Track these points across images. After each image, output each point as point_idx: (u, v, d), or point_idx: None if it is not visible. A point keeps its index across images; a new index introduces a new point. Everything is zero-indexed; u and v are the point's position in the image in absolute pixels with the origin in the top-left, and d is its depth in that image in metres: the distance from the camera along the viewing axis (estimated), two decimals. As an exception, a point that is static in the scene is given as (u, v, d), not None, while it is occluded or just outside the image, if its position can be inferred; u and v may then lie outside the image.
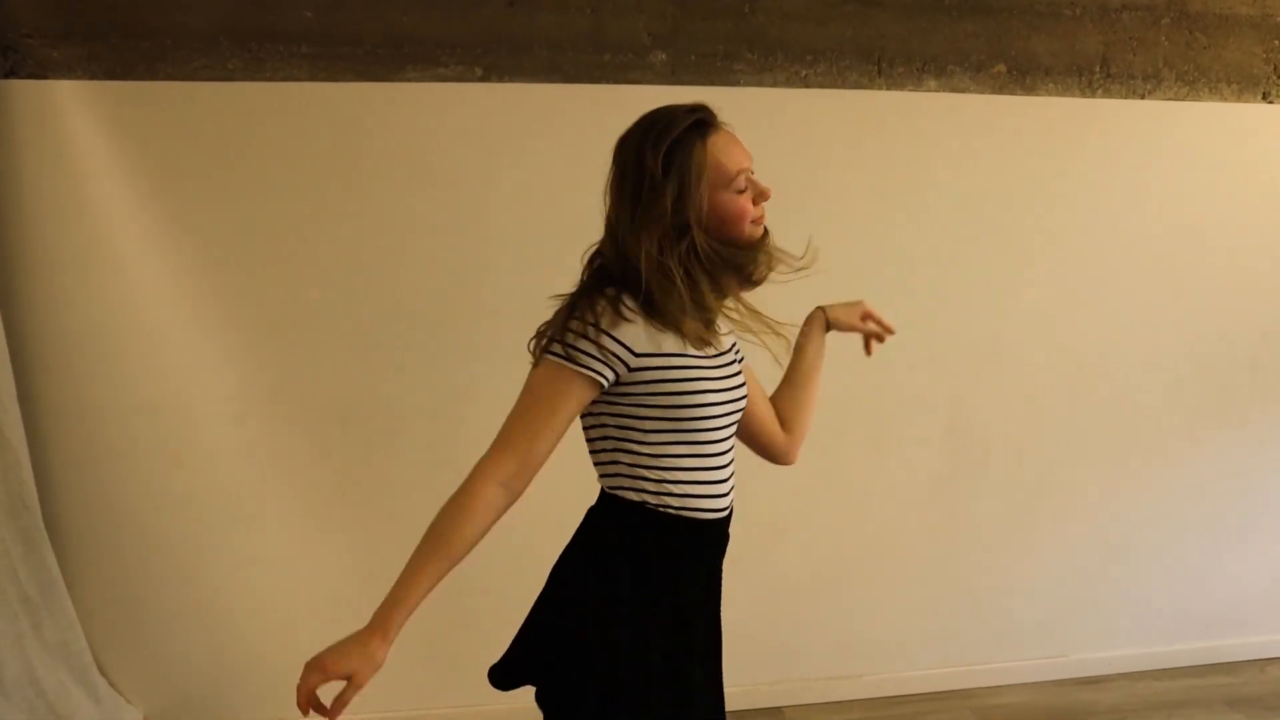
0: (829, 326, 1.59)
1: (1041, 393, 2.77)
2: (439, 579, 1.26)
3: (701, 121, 1.31)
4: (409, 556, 1.35)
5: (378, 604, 2.62)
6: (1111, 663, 2.89)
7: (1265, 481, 2.94)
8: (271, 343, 2.41)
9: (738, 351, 1.45)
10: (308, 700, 1.23)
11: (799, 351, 1.58)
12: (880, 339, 1.63)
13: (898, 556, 2.77)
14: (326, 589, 2.51)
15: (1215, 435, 2.89)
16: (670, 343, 1.29)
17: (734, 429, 1.41)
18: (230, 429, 2.44)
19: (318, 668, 1.22)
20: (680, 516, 1.33)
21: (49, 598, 2.28)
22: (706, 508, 1.35)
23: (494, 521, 1.28)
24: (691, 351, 1.30)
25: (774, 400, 1.58)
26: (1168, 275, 2.79)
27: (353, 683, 1.21)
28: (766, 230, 1.38)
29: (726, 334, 1.41)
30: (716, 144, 1.31)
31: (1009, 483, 2.79)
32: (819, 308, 1.62)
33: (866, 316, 1.60)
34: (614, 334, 1.26)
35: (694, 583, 1.37)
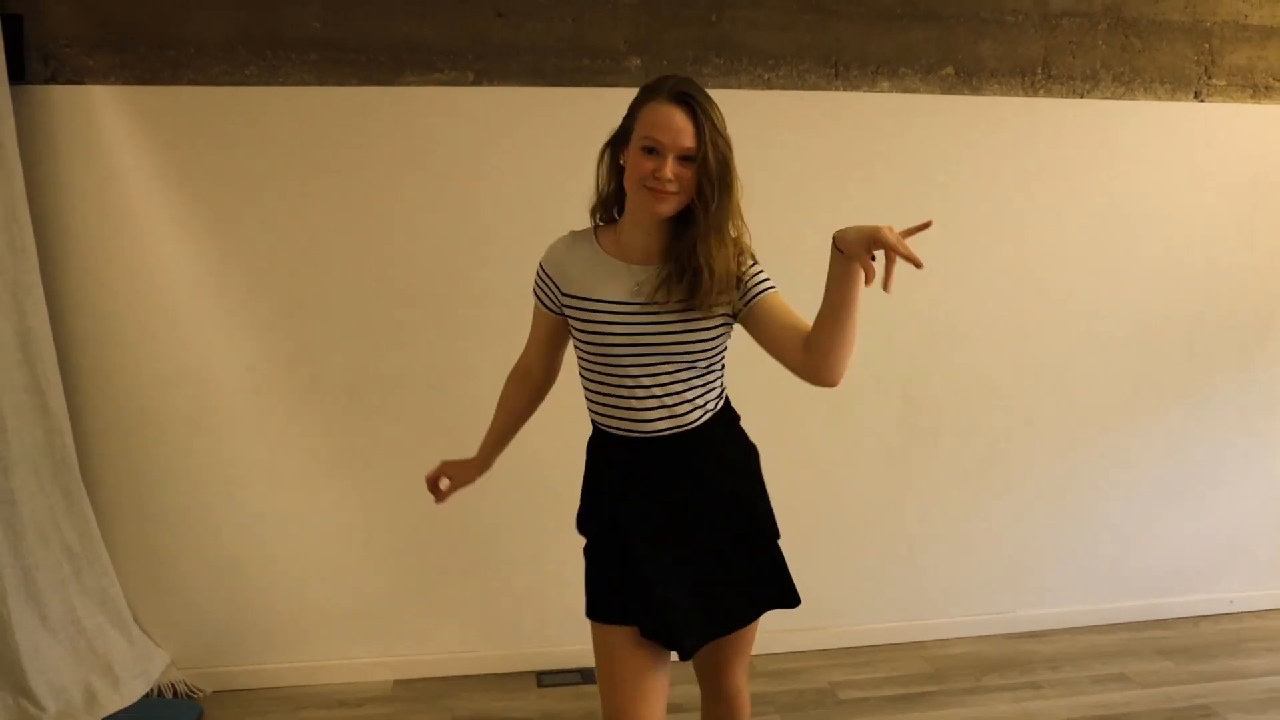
0: (842, 251, 1.45)
1: (990, 370, 3.00)
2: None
3: (656, 88, 1.51)
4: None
5: (378, 557, 3.02)
6: (1054, 618, 3.13)
7: (1199, 453, 3.16)
8: (285, 322, 2.66)
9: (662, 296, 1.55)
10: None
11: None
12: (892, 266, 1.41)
13: (857, 520, 3.01)
14: (334, 544, 2.77)
15: (1153, 410, 3.12)
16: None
17: (627, 367, 1.57)
18: (248, 399, 2.69)
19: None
20: (600, 430, 1.69)
21: (88, 548, 2.54)
22: (614, 427, 1.64)
23: None
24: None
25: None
26: (1108, 262, 3.01)
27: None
28: (660, 202, 1.49)
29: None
30: (648, 108, 1.49)
31: (960, 453, 3.03)
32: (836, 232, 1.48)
33: (875, 245, 1.40)
34: None
35: (623, 479, 1.66)
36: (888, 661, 2.94)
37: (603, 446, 1.69)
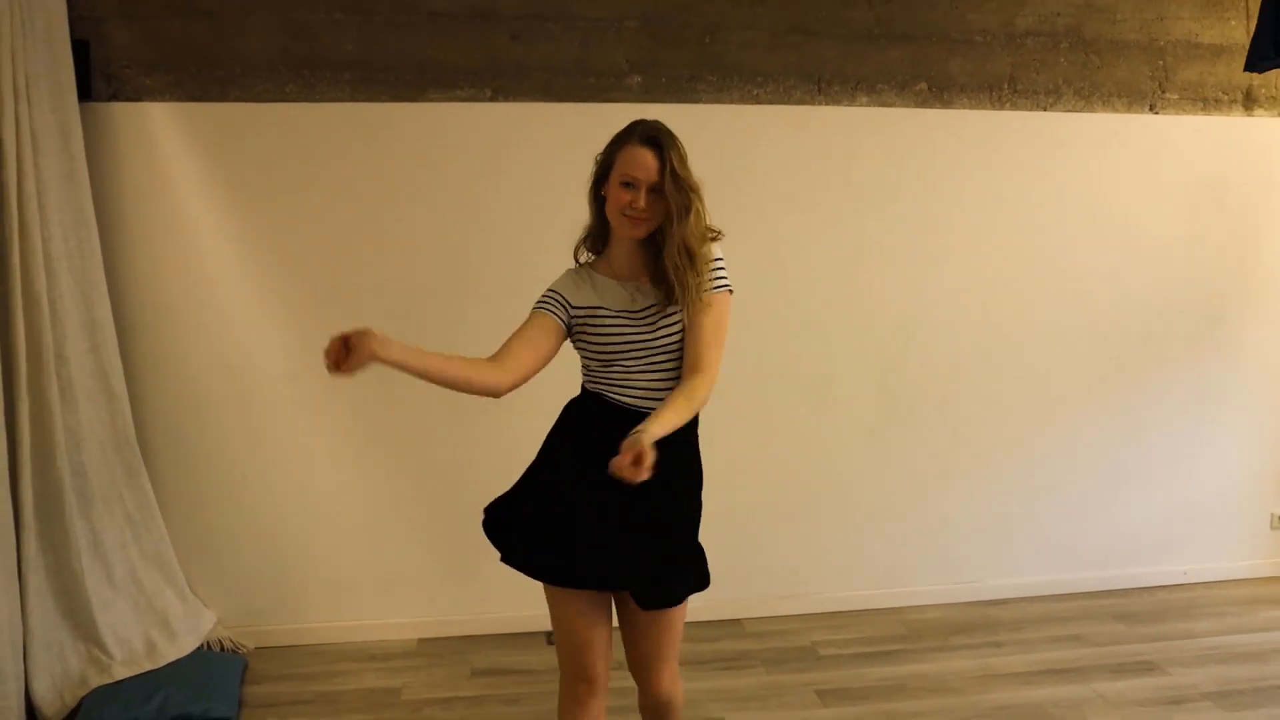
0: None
1: (960, 359, 3.27)
2: None
3: (630, 133, 1.81)
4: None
5: (404, 528, 3.26)
6: (1018, 588, 3.40)
7: (1155, 435, 3.43)
8: (321, 314, 2.91)
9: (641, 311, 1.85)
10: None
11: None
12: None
13: (838, 495, 3.29)
14: (364, 515, 3.06)
15: (1112, 395, 3.39)
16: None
17: (624, 360, 1.85)
18: (287, 384, 2.98)
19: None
20: (589, 392, 1.92)
21: (146, 516, 2.83)
22: (603, 392, 1.88)
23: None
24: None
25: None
26: (1070, 260, 3.28)
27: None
28: (636, 228, 1.79)
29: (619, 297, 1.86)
30: (625, 150, 1.80)
31: (932, 434, 3.30)
32: None
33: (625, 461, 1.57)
34: None
35: (589, 436, 1.86)
36: (868, 624, 3.22)
37: (584, 406, 1.92)
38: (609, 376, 1.88)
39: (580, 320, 1.87)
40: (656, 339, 1.85)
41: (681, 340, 1.86)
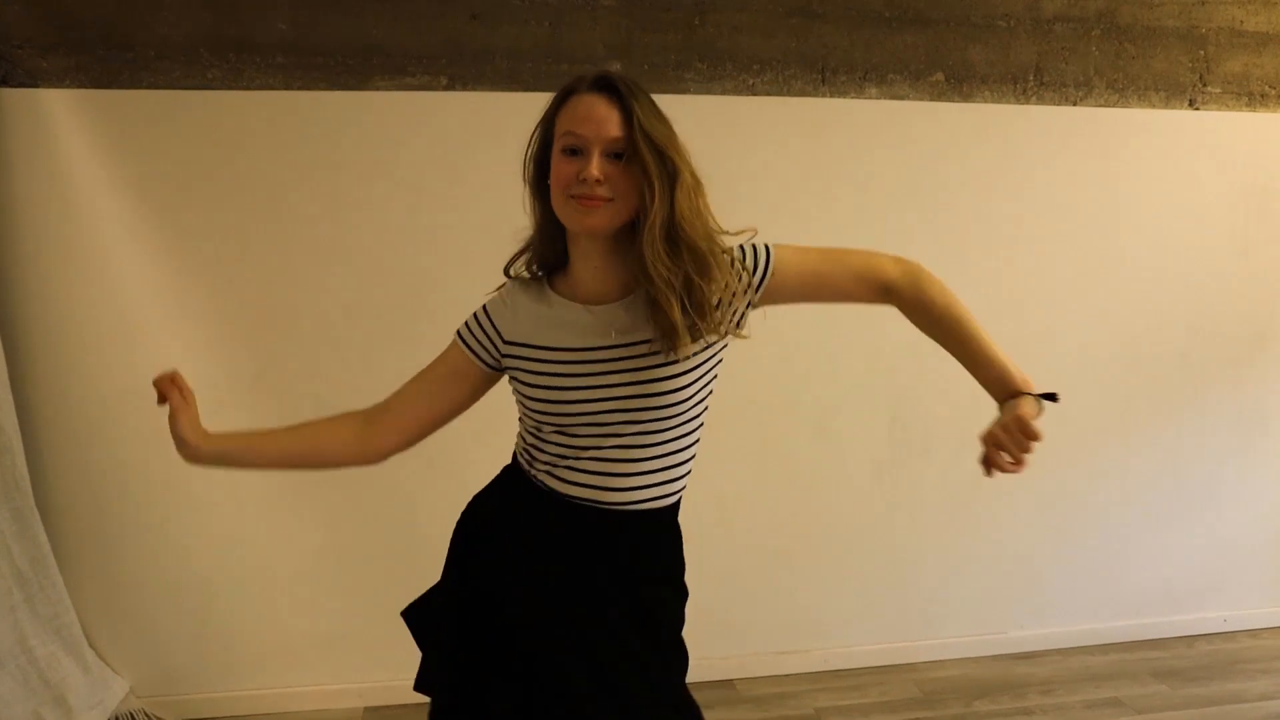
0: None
1: (979, 386, 2.92)
2: None
3: (574, 83, 1.27)
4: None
5: (347, 581, 2.80)
6: (1046, 639, 3.05)
7: (1193, 469, 3.09)
8: (249, 336, 2.55)
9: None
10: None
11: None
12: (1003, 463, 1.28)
13: (844, 538, 2.93)
14: (300, 566, 2.67)
15: (1146, 425, 3.05)
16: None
17: (563, 425, 1.30)
18: (211, 416, 2.54)
19: None
20: (537, 486, 1.39)
21: (40, 573, 2.43)
22: (567, 492, 1.35)
23: None
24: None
25: None
26: (1101, 273, 2.94)
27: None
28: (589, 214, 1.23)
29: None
30: (566, 106, 1.25)
31: (950, 470, 2.94)
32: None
33: (997, 436, 1.27)
34: None
35: (542, 546, 1.38)
36: (876, 685, 2.86)
37: (532, 500, 1.36)
38: (564, 452, 1.30)
39: (516, 362, 1.32)
40: (648, 393, 1.26)
41: (693, 398, 1.29)
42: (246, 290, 2.55)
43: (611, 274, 1.29)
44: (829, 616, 2.95)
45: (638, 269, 1.24)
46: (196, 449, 1.35)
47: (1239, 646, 3.08)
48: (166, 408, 1.37)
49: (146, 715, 2.59)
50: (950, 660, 2.98)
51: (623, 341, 1.28)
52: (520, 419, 1.40)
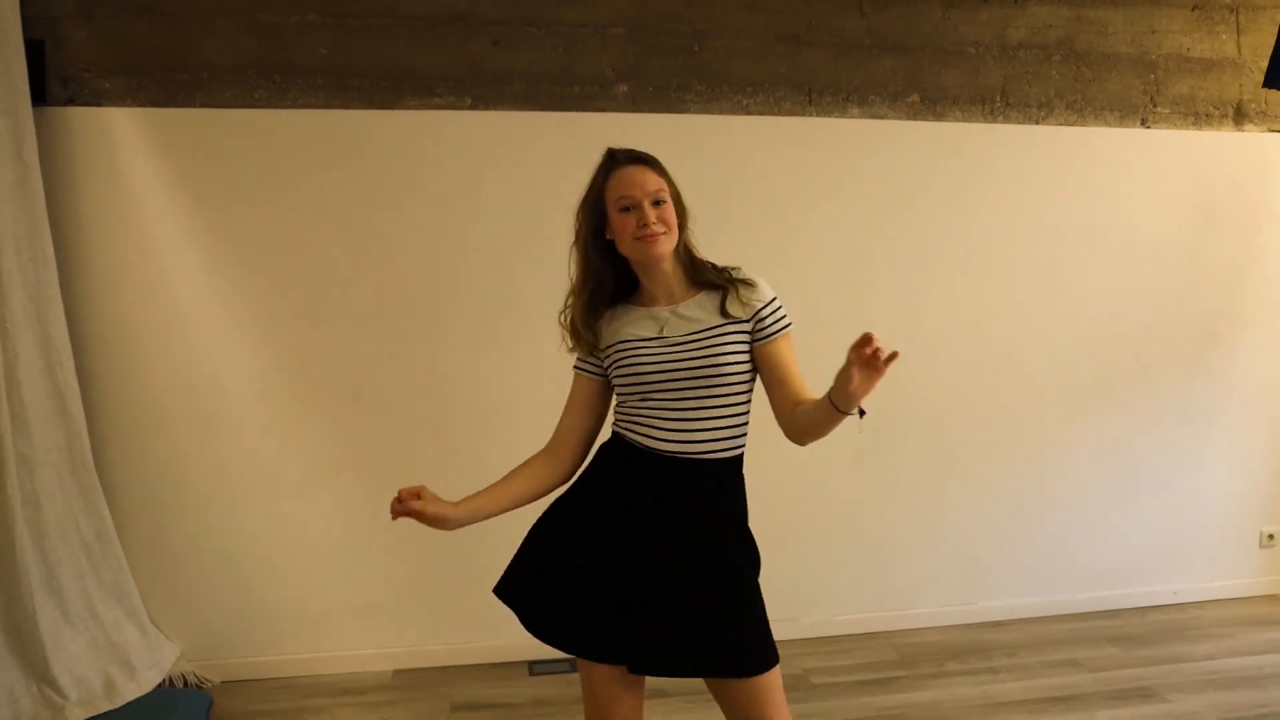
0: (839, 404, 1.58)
1: (952, 378, 3.20)
2: None
3: (609, 161, 1.72)
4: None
5: (379, 554, 3.06)
6: (1012, 609, 3.33)
7: (1147, 454, 3.38)
8: (291, 331, 2.81)
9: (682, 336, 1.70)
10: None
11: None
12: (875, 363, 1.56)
13: (830, 518, 3.20)
14: (337, 542, 2.92)
15: (1103, 415, 3.33)
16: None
17: (660, 394, 1.69)
18: (255, 404, 2.84)
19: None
20: (623, 440, 1.76)
21: (104, 545, 2.67)
22: (641, 442, 1.72)
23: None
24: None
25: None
26: (1062, 277, 3.22)
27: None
28: (661, 243, 1.66)
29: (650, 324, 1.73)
30: (611, 180, 1.71)
31: (925, 456, 3.23)
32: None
33: (854, 363, 1.55)
34: None
35: (628, 488, 1.73)
36: (858, 649, 3.13)
37: (622, 455, 1.74)
38: (642, 415, 1.70)
39: (611, 358, 1.73)
40: (709, 363, 1.66)
41: (747, 367, 1.70)
42: (287, 289, 2.80)
43: (675, 281, 1.75)
44: (816, 589, 3.22)
45: (689, 269, 1.74)
46: (455, 522, 1.72)
47: (1187, 616, 3.37)
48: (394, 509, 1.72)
49: (196, 676, 2.82)
50: (924, 629, 3.26)
51: (684, 331, 1.71)
52: (618, 404, 1.79)
